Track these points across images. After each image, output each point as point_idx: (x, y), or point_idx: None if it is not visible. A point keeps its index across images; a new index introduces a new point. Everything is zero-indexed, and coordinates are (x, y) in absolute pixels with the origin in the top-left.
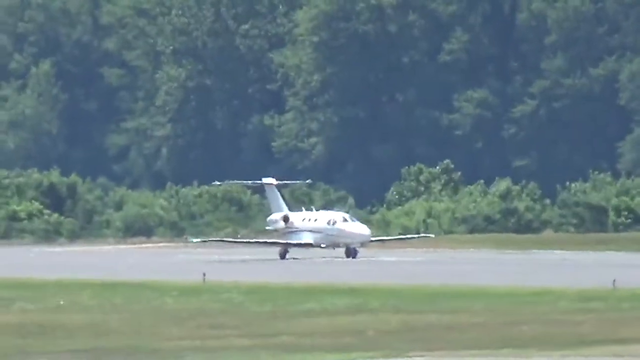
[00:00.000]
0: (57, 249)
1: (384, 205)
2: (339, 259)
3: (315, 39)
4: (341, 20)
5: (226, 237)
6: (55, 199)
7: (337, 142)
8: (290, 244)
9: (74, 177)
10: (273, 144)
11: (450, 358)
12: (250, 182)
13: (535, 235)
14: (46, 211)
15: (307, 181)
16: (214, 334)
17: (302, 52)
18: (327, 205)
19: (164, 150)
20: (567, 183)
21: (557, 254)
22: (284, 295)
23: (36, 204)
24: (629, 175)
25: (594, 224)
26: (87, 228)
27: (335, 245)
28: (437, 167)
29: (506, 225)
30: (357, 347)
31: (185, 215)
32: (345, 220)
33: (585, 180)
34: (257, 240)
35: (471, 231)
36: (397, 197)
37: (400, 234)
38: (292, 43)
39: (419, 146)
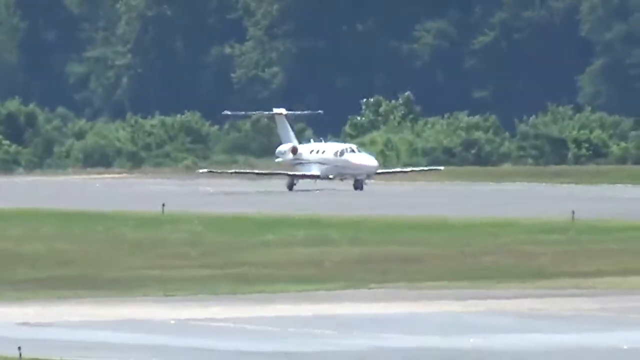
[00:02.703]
0: (16, 179)
1: (341, 137)
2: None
3: None
4: None
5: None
6: (14, 129)
7: (297, 72)
8: (297, 175)
9: (32, 107)
10: (233, 74)
11: (409, 290)
12: (259, 112)
13: (495, 167)
14: (5, 141)
15: (319, 112)
16: (173, 264)
17: None
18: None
19: (124, 80)
20: (526, 116)
21: (517, 186)
22: (243, 227)
23: None
24: (588, 107)
25: (554, 156)
26: (46, 158)
27: (342, 176)
28: (398, 100)
29: (466, 157)
30: (316, 279)
31: (143, 146)
32: (352, 151)
33: (545, 112)
34: (263, 172)
35: (431, 163)
36: (352, 131)
37: None
38: None
39: (379, 77)
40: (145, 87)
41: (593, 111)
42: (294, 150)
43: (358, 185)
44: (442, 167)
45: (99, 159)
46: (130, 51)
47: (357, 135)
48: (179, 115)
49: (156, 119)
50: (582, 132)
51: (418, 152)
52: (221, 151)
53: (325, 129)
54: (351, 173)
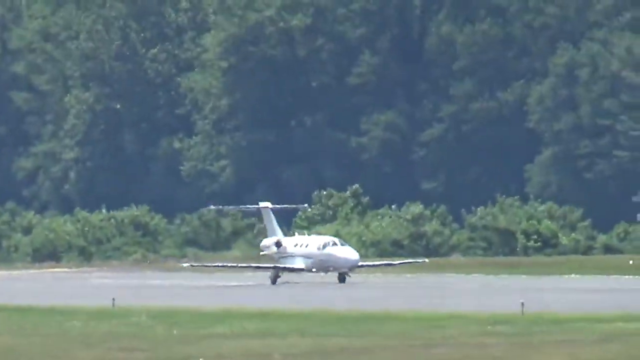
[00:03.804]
0: None
1: (291, 230)
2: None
3: (224, 63)
4: (250, 44)
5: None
6: None
7: (246, 165)
8: (281, 268)
9: None
10: (182, 167)
11: None
12: (244, 206)
13: (444, 259)
14: None
15: (304, 205)
16: (124, 358)
17: (211, 76)
18: (237, 231)
19: (72, 174)
20: (474, 208)
21: (466, 278)
22: (193, 320)
23: None
24: (537, 198)
25: (503, 247)
26: None
27: (325, 269)
28: (347, 192)
29: (415, 249)
30: None
31: (92, 240)
32: (335, 244)
33: (493, 204)
34: (248, 265)
35: (380, 255)
36: (304, 222)
37: None
38: (200, 67)
39: (328, 170)
40: (94, 181)
41: (542, 202)
42: (278, 244)
43: (341, 278)
44: (426, 259)
45: (48, 253)
46: (78, 145)
47: (307, 227)
48: (125, 208)
49: (105, 214)
50: (530, 222)
51: (366, 244)
52: (171, 245)
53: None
54: (334, 266)
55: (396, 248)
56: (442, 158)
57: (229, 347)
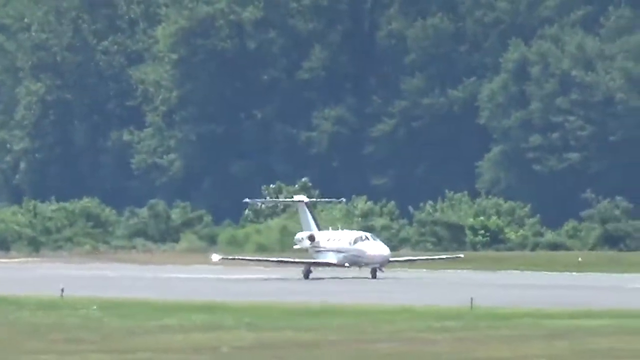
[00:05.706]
0: None
1: (240, 223)
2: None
3: (175, 55)
4: (200, 36)
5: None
6: None
7: (195, 158)
8: (313, 263)
9: None
10: (132, 159)
11: None
12: (279, 199)
13: (393, 253)
14: None
15: (341, 199)
16: (71, 349)
17: (162, 69)
18: (187, 223)
19: (23, 165)
20: (422, 203)
21: (414, 273)
22: (141, 311)
23: None
24: (487, 194)
25: (451, 242)
26: None
27: (357, 264)
28: (296, 185)
29: None
30: None
31: (42, 230)
32: (366, 239)
33: (443, 199)
34: (279, 259)
35: None
36: (251, 214)
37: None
38: (151, 59)
39: (277, 163)
40: (44, 172)
41: (490, 198)
42: (312, 238)
43: (373, 274)
44: (462, 255)
45: None
46: (28, 135)
47: (257, 220)
48: (76, 200)
49: (55, 204)
50: (478, 219)
51: None
52: (120, 236)
53: (224, 215)
54: (365, 261)
55: None
56: (392, 153)
57: (177, 339)
